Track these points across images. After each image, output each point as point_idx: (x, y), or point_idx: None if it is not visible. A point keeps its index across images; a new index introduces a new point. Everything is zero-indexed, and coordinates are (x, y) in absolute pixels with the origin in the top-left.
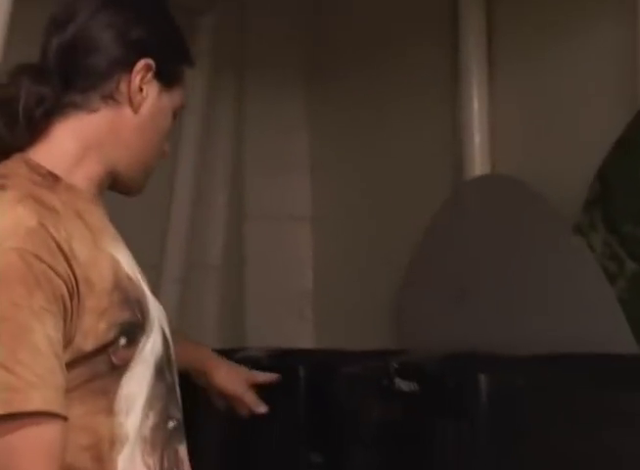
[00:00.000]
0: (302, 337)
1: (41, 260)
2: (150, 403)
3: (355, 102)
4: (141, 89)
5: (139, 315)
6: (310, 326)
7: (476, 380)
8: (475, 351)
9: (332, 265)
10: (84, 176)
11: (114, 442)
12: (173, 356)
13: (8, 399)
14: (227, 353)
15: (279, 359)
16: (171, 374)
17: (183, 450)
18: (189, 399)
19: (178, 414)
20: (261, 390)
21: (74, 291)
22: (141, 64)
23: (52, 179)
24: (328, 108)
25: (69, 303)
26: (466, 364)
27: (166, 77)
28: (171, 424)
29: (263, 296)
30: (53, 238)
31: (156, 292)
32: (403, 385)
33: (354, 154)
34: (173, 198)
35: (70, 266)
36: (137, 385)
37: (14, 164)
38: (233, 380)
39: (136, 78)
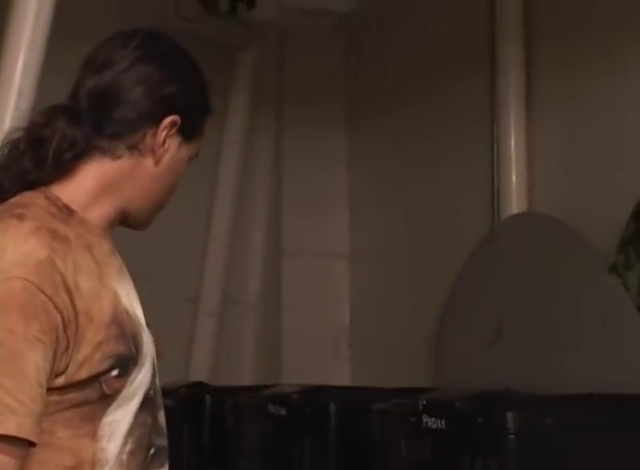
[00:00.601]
0: (338, 374)
1: (43, 293)
2: (131, 431)
3: (394, 139)
4: (164, 142)
5: (133, 349)
6: (346, 363)
7: (504, 418)
8: (505, 389)
9: (369, 302)
10: (97, 214)
11: (94, 465)
12: (158, 385)
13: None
14: (259, 389)
15: (310, 396)
16: (155, 404)
17: None
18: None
19: (161, 441)
20: (293, 427)
21: (70, 323)
22: (168, 120)
23: (67, 212)
24: (367, 145)
25: (63, 333)
26: (494, 402)
27: (189, 132)
28: (152, 451)
29: (300, 332)
30: (59, 271)
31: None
32: (431, 422)
33: (393, 191)
34: (210, 233)
35: (72, 300)
36: (122, 413)
37: (33, 195)
38: None
39: (162, 133)
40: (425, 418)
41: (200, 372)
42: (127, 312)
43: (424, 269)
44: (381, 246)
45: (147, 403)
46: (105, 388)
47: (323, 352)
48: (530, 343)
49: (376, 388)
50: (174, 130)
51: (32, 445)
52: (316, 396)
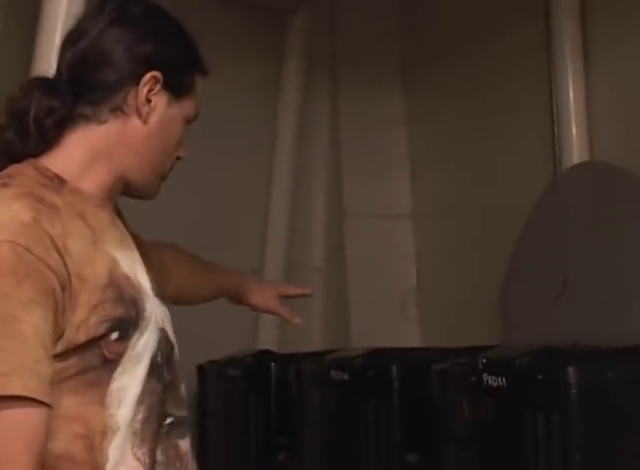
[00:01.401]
0: (407, 335)
1: (32, 254)
2: (141, 398)
3: (451, 96)
4: (149, 100)
5: (133, 313)
6: (415, 324)
7: (564, 373)
8: (572, 344)
9: (434, 262)
10: (92, 183)
11: (105, 432)
12: (176, 357)
13: None
14: (322, 355)
15: (372, 360)
16: (171, 372)
17: (185, 445)
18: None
19: (178, 412)
20: (354, 392)
21: (67, 284)
22: (148, 76)
23: (58, 182)
24: (425, 103)
25: (61, 295)
26: (554, 358)
27: (176, 88)
28: (168, 420)
29: (366, 295)
30: (47, 233)
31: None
32: (492, 381)
33: (453, 149)
34: (271, 200)
35: (64, 261)
36: (129, 379)
37: (22, 167)
38: (265, 297)
39: (143, 90)
40: (485, 376)
41: (267, 341)
42: (127, 278)
43: (487, 225)
44: (443, 204)
45: (155, 370)
46: (106, 352)
47: (390, 315)
48: (597, 296)
49: (439, 348)
50: (158, 87)
51: (46, 406)
52: (378, 359)
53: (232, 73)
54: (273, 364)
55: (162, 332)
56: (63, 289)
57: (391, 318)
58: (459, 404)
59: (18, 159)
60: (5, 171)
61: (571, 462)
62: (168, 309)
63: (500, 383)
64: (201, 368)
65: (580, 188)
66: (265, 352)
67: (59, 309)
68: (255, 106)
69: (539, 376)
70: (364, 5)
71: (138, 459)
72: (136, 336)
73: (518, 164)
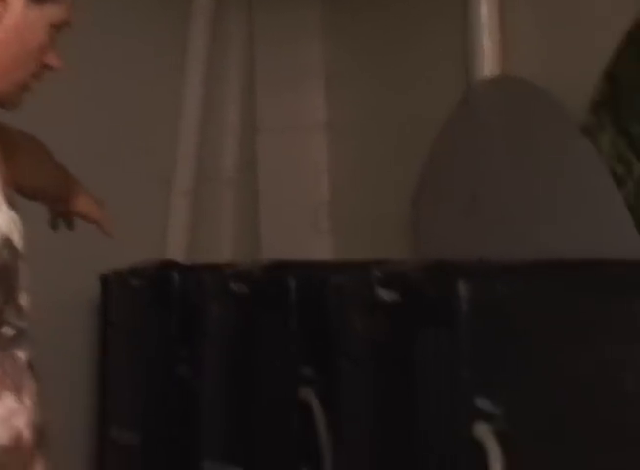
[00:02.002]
0: (319, 249)
1: None
2: None
3: (368, 7)
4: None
5: None
6: (327, 238)
7: (455, 288)
8: (472, 259)
9: (348, 176)
10: None
11: None
12: (22, 267)
13: None
14: (222, 267)
15: (272, 272)
16: (13, 280)
17: (23, 358)
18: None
19: (19, 323)
20: (253, 305)
21: None
22: None
23: None
24: (340, 15)
25: None
26: (447, 272)
27: None
28: (6, 330)
29: (278, 208)
30: None
31: None
32: (385, 295)
33: (368, 60)
34: (182, 112)
35: None
36: None
37: None
38: (91, 209)
39: None
40: (378, 291)
41: (177, 252)
42: None
43: (401, 138)
44: (358, 117)
45: None
46: None
47: (303, 228)
48: (505, 210)
49: (335, 262)
50: None
51: None
52: (277, 272)
53: None
54: (176, 275)
55: (5, 239)
56: None
57: (303, 231)
58: (352, 319)
59: None
60: None
61: (459, 378)
62: None
63: (393, 297)
64: (104, 278)
65: (492, 103)
66: (170, 263)
67: None
68: (166, 15)
69: (431, 290)
70: None
71: None
72: None
73: (433, 77)
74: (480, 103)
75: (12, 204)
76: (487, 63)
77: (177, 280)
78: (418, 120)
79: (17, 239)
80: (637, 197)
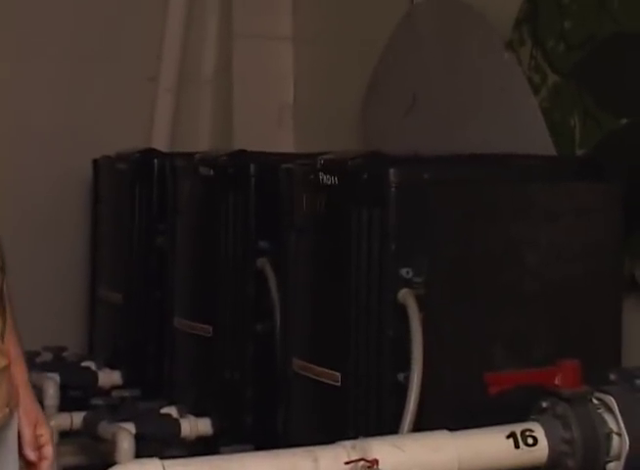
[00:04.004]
0: (283, 143)
1: None
2: None
3: None
4: None
5: None
6: (290, 133)
7: (386, 173)
8: (414, 152)
9: (309, 80)
10: None
11: None
12: None
13: None
14: (194, 155)
15: (235, 158)
16: None
17: None
18: None
19: None
20: (218, 187)
21: None
22: None
23: None
24: None
25: None
26: (380, 162)
27: None
28: None
29: (249, 107)
30: None
31: None
32: (326, 179)
33: None
34: (167, 17)
35: None
36: None
37: None
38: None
39: None
40: (321, 175)
41: (160, 141)
42: None
43: (354, 49)
44: (319, 30)
45: None
46: None
47: (269, 125)
48: (439, 110)
49: (288, 153)
50: None
51: None
52: (240, 158)
53: None
54: (156, 160)
55: None
56: None
57: (270, 127)
58: (299, 198)
59: None
60: None
61: (386, 250)
62: None
63: (333, 181)
64: (95, 162)
65: (431, 19)
66: (151, 150)
67: None
68: None
69: (365, 175)
70: None
71: None
72: None
73: None
74: (420, 18)
75: None
76: None
77: (157, 164)
78: (369, 32)
79: None
80: (549, 102)
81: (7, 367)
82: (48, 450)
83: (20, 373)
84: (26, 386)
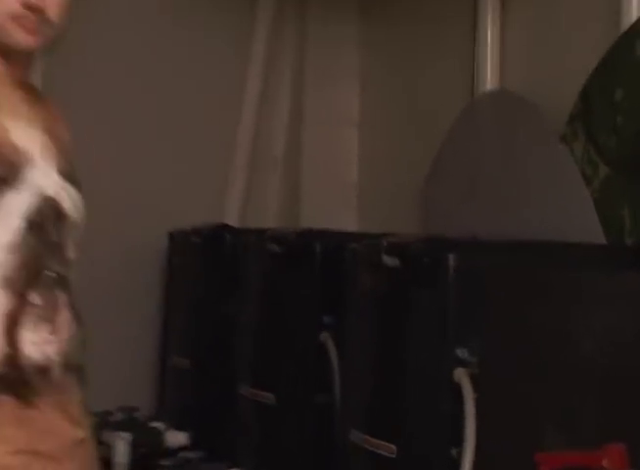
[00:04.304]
0: (347, 221)
1: None
2: (15, 247)
3: (395, 27)
4: None
5: (7, 172)
6: (354, 212)
7: (445, 258)
8: (472, 236)
9: (373, 163)
10: None
11: None
12: (69, 225)
13: None
14: (264, 231)
15: (302, 237)
16: (59, 234)
17: (64, 298)
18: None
19: (61, 269)
20: (285, 263)
21: None
22: None
23: None
24: (373, 31)
25: None
26: (440, 246)
27: None
28: (48, 274)
29: (316, 186)
30: None
31: None
32: (389, 260)
33: (394, 70)
34: (244, 101)
35: None
36: None
37: None
38: None
39: None
40: (384, 257)
41: (231, 217)
42: (14, 146)
43: (417, 134)
44: (384, 116)
45: (35, 229)
46: None
47: (335, 203)
48: (497, 198)
49: (353, 232)
50: None
51: None
52: (307, 236)
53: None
54: (228, 235)
55: (49, 201)
56: None
57: (335, 206)
58: (364, 277)
59: None
60: None
61: (443, 331)
62: None
63: (395, 263)
64: (171, 235)
65: (490, 110)
66: (224, 226)
67: None
68: (233, 24)
69: (425, 259)
70: None
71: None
72: (9, 193)
73: (446, 86)
74: (481, 109)
75: (69, 178)
76: (489, 78)
77: (228, 240)
78: (431, 120)
79: (68, 206)
80: (601, 193)
81: (84, 441)
82: None
83: None
84: None
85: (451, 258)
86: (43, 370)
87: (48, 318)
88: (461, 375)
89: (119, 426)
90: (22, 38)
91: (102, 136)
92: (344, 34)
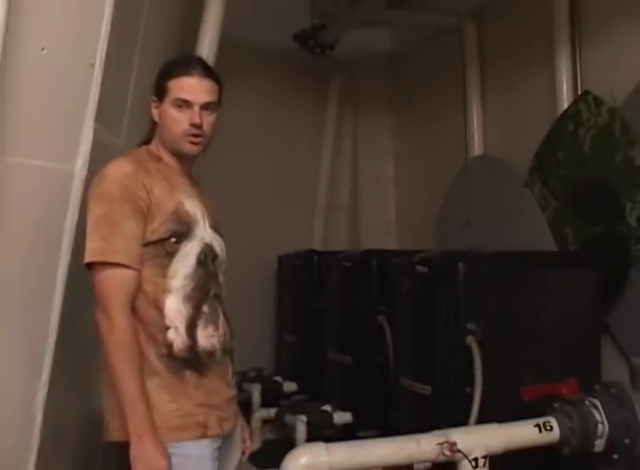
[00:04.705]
0: (390, 243)
1: (131, 190)
2: (192, 276)
3: (415, 119)
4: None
5: (185, 229)
6: (394, 238)
7: (457, 266)
8: (468, 249)
9: (405, 205)
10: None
11: (164, 291)
12: (220, 262)
13: (104, 254)
14: (340, 252)
15: (364, 255)
16: (214, 267)
17: (220, 308)
18: None
19: (217, 290)
20: (354, 274)
21: (149, 208)
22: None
23: (158, 159)
24: (401, 120)
25: (146, 213)
26: (453, 258)
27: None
28: (211, 293)
29: (370, 222)
30: (141, 180)
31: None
32: (420, 269)
33: (416, 144)
34: (319, 168)
35: (149, 196)
36: (180, 266)
37: (139, 149)
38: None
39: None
40: (417, 267)
41: (317, 244)
42: (187, 213)
43: (431, 188)
44: (410, 176)
45: (201, 264)
46: (167, 248)
47: (382, 233)
48: (483, 227)
49: (397, 250)
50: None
51: (135, 270)
52: (367, 255)
53: (294, 107)
54: (315, 257)
55: (208, 246)
56: (147, 210)
57: (382, 234)
58: (403, 282)
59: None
60: (130, 150)
61: (458, 313)
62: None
63: (424, 270)
64: (279, 258)
65: (478, 169)
66: (313, 251)
67: (145, 221)
68: (308, 124)
69: (444, 267)
70: (373, 66)
71: (184, 308)
72: (185, 242)
73: (447, 155)
74: (472, 168)
75: (217, 230)
76: (476, 147)
77: (316, 260)
78: (439, 177)
79: (218, 249)
80: (552, 218)
81: (234, 396)
82: (248, 444)
83: None
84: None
85: (461, 266)
86: (211, 354)
87: (212, 321)
88: (470, 340)
89: (253, 380)
90: (188, 148)
91: (230, 193)
92: (383, 126)
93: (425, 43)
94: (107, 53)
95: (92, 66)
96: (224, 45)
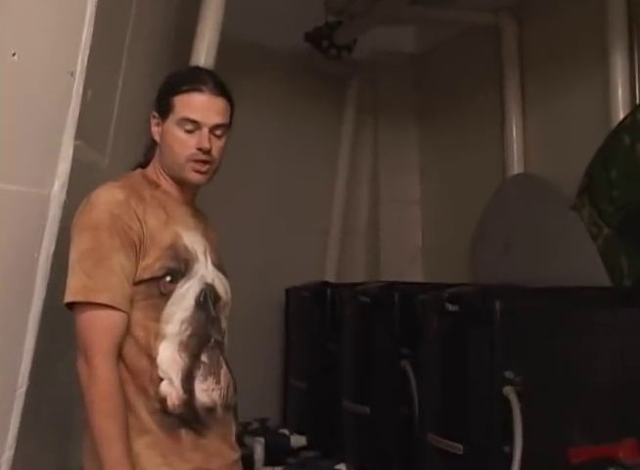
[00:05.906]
0: (415, 274)
1: (121, 220)
2: (189, 320)
3: (444, 131)
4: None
5: (182, 267)
6: (420, 267)
7: (493, 304)
8: (505, 285)
9: (433, 230)
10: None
11: (157, 337)
12: (222, 304)
13: (88, 294)
14: (356, 285)
15: (384, 288)
16: (216, 311)
17: (222, 358)
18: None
19: (218, 337)
20: (373, 310)
21: (142, 242)
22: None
23: (155, 185)
24: (428, 134)
25: (138, 247)
26: (489, 294)
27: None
28: (212, 340)
29: (391, 249)
30: (133, 209)
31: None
32: (450, 307)
33: (444, 161)
34: (334, 189)
35: (142, 228)
36: (176, 308)
37: (134, 172)
38: None
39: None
40: (446, 304)
41: (330, 275)
42: (186, 247)
43: (463, 210)
44: (438, 196)
45: (201, 307)
46: (162, 288)
47: (405, 262)
48: (526, 254)
49: (422, 283)
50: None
51: (124, 313)
52: (388, 289)
53: (305, 117)
54: (329, 290)
55: (209, 286)
56: (140, 244)
57: (406, 264)
58: (430, 321)
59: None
60: (124, 174)
61: (494, 359)
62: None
63: (455, 308)
64: (287, 291)
65: (518, 189)
66: (325, 283)
67: (136, 256)
68: (322, 136)
69: (478, 305)
70: (395, 75)
71: (179, 357)
72: (182, 281)
73: (481, 172)
74: (510, 188)
75: (220, 268)
76: (515, 164)
77: (329, 293)
78: (473, 197)
79: (221, 290)
80: (604, 247)
81: (238, 460)
82: None
83: None
84: None
85: (497, 304)
86: (210, 410)
87: (213, 372)
88: (509, 391)
89: (256, 432)
90: (193, 177)
91: (232, 215)
92: (407, 139)
93: (455, 43)
94: (89, 59)
95: (72, 74)
96: (224, 45)
